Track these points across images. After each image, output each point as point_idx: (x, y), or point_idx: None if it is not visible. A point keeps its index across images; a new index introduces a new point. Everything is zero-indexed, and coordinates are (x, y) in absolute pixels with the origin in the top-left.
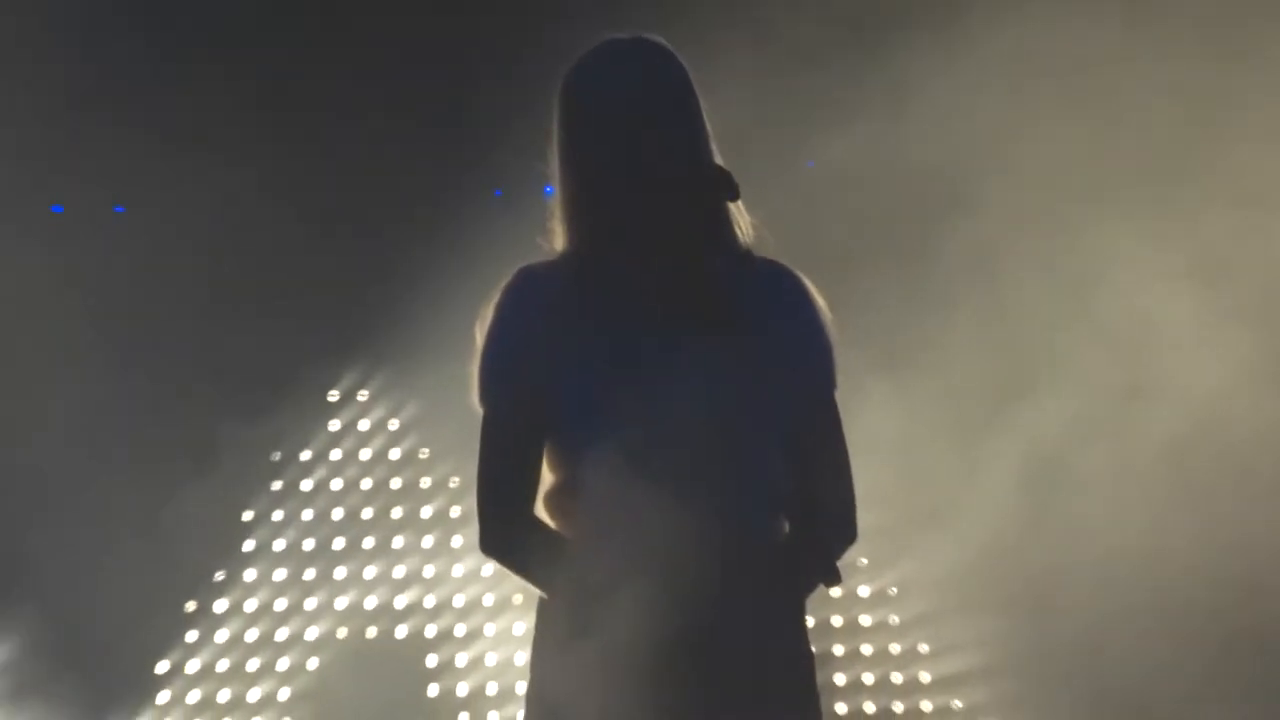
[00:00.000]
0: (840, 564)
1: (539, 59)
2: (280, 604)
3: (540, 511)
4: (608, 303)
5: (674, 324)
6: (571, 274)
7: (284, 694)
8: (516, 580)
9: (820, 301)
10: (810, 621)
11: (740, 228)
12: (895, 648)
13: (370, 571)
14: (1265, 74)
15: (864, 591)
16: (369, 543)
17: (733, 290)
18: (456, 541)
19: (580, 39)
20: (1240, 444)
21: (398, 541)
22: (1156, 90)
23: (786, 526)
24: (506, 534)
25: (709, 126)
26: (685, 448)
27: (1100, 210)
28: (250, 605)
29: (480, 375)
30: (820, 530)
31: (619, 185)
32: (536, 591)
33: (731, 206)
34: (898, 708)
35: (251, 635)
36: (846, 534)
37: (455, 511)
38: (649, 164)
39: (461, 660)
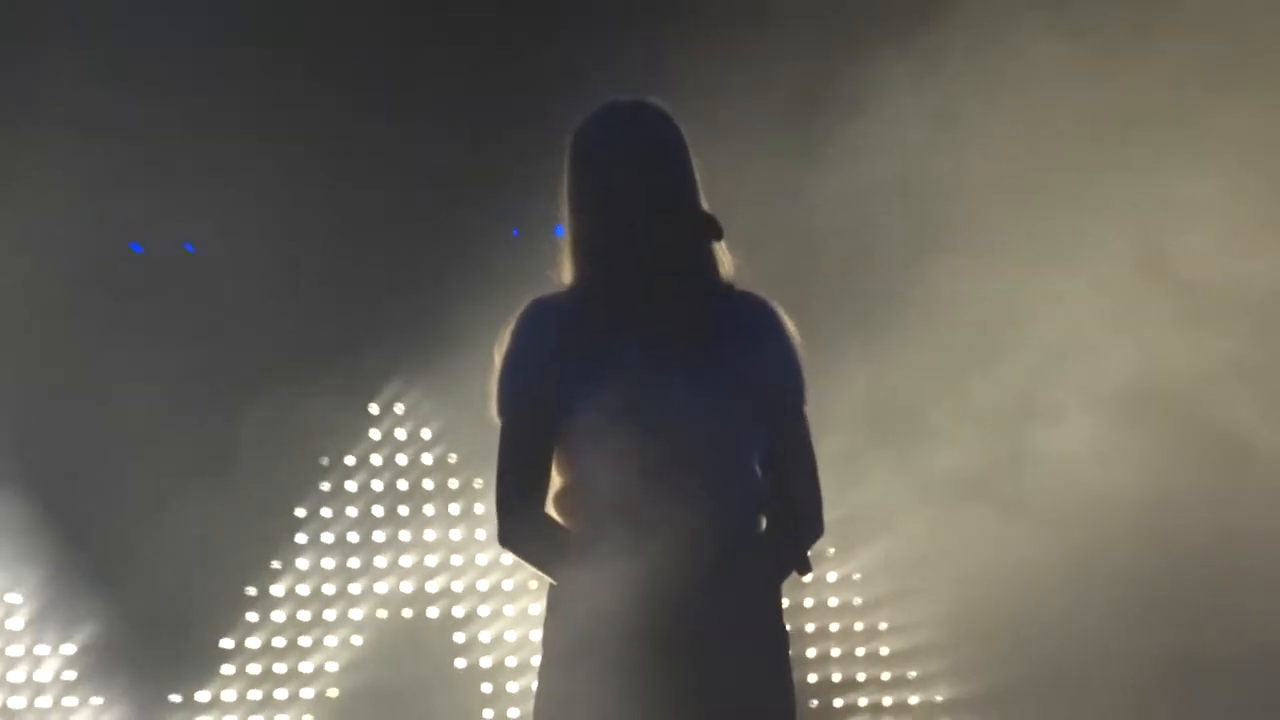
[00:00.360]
0: (810, 554)
1: (552, 117)
2: (328, 589)
3: (550, 509)
4: (608, 329)
5: (666, 348)
6: (577, 303)
7: (331, 667)
8: (531, 568)
9: (791, 328)
10: (785, 602)
11: (723, 264)
12: (859, 625)
13: (406, 561)
14: (1184, 93)
15: (832, 577)
16: (405, 536)
17: (716, 318)
18: (480, 535)
19: (589, 99)
20: (1179, 412)
21: (429, 535)
22: (1083, 110)
23: (764, 522)
24: (520, 529)
25: (698, 177)
26: (676, 454)
27: (1049, 206)
28: (303, 590)
29: (498, 391)
30: (793, 525)
31: (619, 228)
32: (545, 578)
33: (716, 246)
34: (860, 677)
35: (304, 616)
36: (815, 529)
37: (479, 509)
38: (645, 210)
39: (485, 638)
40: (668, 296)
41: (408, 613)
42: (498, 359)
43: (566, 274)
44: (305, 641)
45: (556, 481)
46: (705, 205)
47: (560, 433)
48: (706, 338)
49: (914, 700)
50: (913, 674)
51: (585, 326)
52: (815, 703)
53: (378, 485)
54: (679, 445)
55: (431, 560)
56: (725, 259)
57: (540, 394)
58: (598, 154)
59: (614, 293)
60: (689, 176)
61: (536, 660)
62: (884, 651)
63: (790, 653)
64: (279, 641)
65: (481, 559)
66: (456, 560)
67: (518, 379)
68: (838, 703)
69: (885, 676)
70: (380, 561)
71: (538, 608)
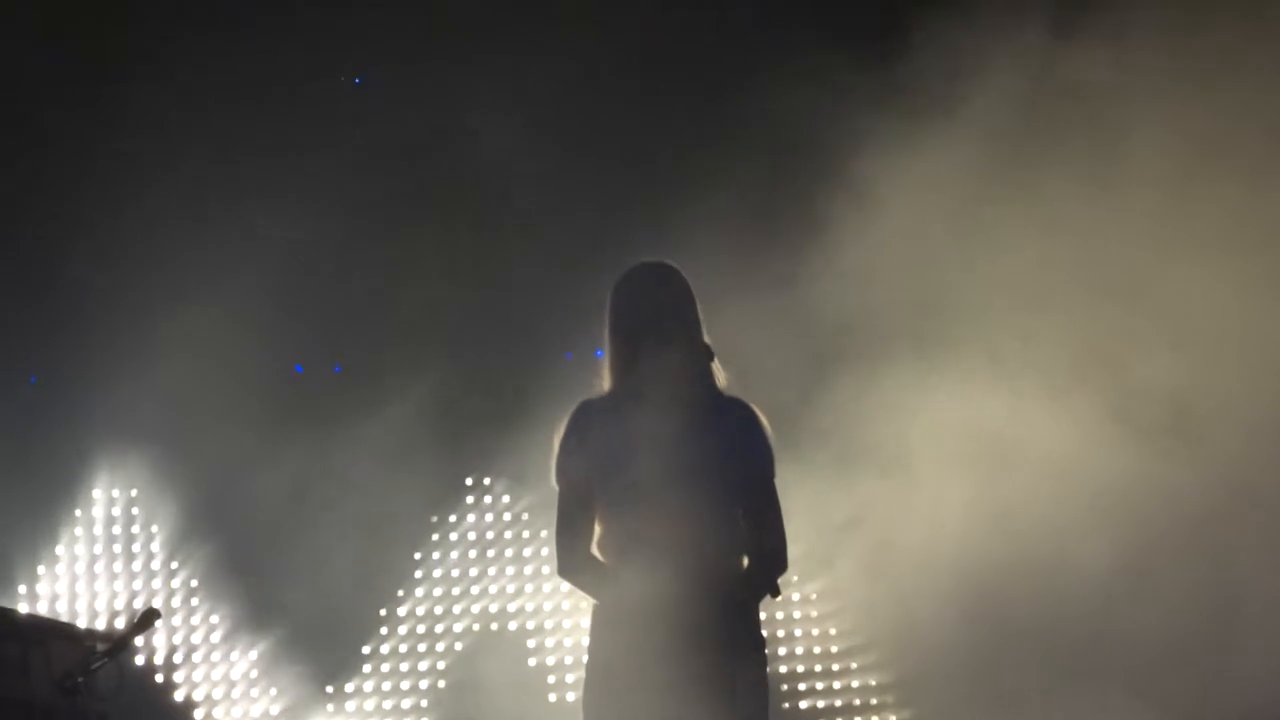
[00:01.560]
0: (779, 581)
1: (594, 277)
2: (439, 609)
3: (594, 549)
4: (634, 423)
5: (675, 435)
6: (613, 405)
7: (441, 665)
8: (581, 593)
9: (765, 421)
10: (762, 616)
11: (719, 377)
12: (815, 631)
13: (493, 589)
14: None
15: (795, 597)
16: (492, 571)
17: (711, 415)
18: (544, 570)
19: (625, 260)
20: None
21: (509, 570)
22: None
23: (745, 560)
24: (572, 564)
25: (700, 315)
26: (682, 510)
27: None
28: (420, 610)
29: (555, 466)
30: (766, 562)
31: (644, 354)
32: (591, 599)
33: (714, 364)
34: (817, 668)
35: (420, 629)
36: (782, 564)
37: (543, 552)
38: (662, 342)
39: (549, 643)
40: (676, 399)
41: (494, 626)
42: (555, 443)
43: (606, 383)
44: (422, 647)
45: (598, 529)
46: (706, 335)
47: (600, 495)
48: (704, 428)
49: (855, 684)
50: (854, 665)
51: (617, 422)
52: (785, 686)
53: (472, 536)
54: (684, 503)
55: (510, 589)
56: (720, 373)
57: (584, 469)
58: (629, 301)
59: (638, 397)
60: (693, 315)
61: (585, 659)
62: (833, 650)
63: (765, 651)
64: (403, 647)
65: (546, 588)
66: (528, 589)
67: (569, 458)
68: (801, 686)
69: (835, 667)
70: (474, 590)
71: (586, 621)
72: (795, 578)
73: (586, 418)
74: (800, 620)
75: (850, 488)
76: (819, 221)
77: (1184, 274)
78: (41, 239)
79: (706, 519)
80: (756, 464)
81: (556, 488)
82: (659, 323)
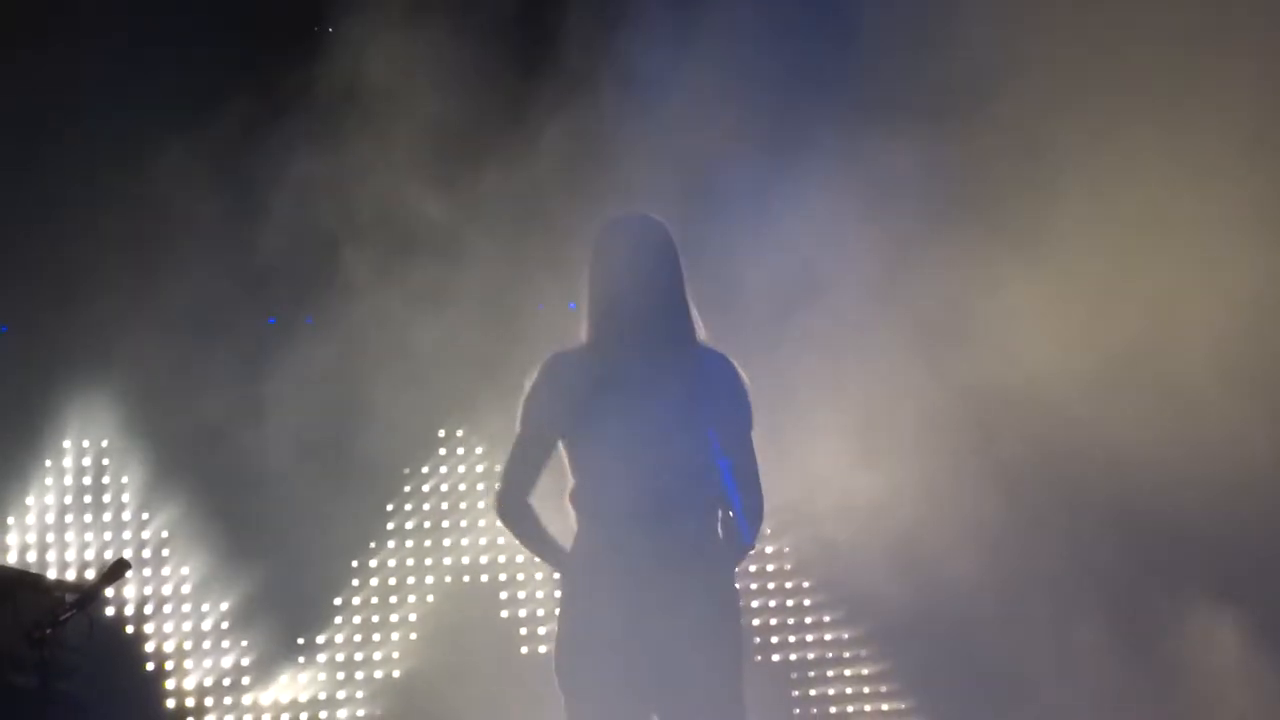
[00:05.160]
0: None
1: (576, 232)
2: (410, 561)
3: (566, 502)
4: (609, 375)
5: (649, 388)
6: (586, 356)
7: (412, 616)
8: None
9: (744, 376)
10: (736, 569)
11: (699, 329)
12: (789, 584)
13: (464, 541)
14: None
15: (769, 549)
16: (464, 523)
17: (688, 367)
18: None
19: (605, 209)
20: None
21: (481, 523)
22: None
23: (720, 514)
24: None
25: (683, 268)
26: (657, 462)
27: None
28: (391, 562)
29: (521, 409)
30: (741, 516)
31: (620, 305)
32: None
33: (693, 314)
34: (790, 621)
35: (392, 581)
36: (757, 519)
37: None
38: (641, 293)
39: (521, 595)
40: (653, 352)
41: (466, 577)
42: (525, 388)
43: (582, 335)
44: (393, 599)
45: (571, 481)
46: (687, 289)
47: (570, 445)
48: (680, 382)
49: (829, 637)
50: (826, 618)
51: (589, 373)
52: (759, 639)
53: (444, 487)
54: (658, 456)
55: (483, 541)
56: (699, 325)
57: (546, 419)
58: (609, 253)
59: (614, 349)
60: (672, 266)
61: (557, 612)
62: (806, 603)
63: (740, 604)
64: (374, 599)
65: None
66: (500, 540)
67: (535, 404)
68: (774, 639)
69: (808, 620)
70: (446, 541)
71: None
72: (769, 530)
73: (559, 367)
74: (774, 573)
75: (827, 442)
76: None
77: None
78: (11, 189)
79: (683, 472)
80: (733, 417)
81: (517, 431)
82: (638, 279)
